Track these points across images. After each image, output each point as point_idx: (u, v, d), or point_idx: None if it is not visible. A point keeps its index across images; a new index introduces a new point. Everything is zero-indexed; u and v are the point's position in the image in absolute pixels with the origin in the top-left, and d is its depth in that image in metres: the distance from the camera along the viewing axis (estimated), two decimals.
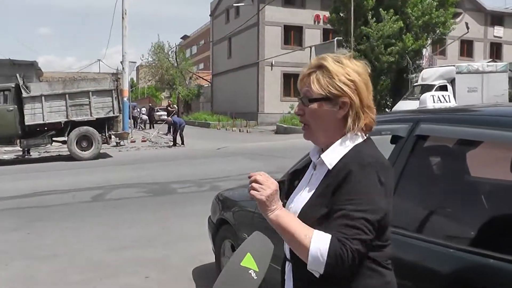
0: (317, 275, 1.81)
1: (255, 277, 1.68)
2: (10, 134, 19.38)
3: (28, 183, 13.87)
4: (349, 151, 1.98)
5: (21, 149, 21.00)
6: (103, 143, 20.85)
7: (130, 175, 15.12)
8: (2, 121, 18.91)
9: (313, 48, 36.63)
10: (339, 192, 1.88)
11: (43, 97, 19.30)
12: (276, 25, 45.07)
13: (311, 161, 2.17)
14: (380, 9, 32.52)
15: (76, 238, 8.14)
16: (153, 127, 45.51)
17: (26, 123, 19.32)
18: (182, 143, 25.55)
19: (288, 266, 2.10)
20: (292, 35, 46.08)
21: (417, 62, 34.10)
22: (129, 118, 33.26)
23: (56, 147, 22.98)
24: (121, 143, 26.08)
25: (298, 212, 1.99)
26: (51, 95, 19.52)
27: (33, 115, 19.30)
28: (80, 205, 10.91)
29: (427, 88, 24.26)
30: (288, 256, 2.08)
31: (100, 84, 20.49)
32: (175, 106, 43.82)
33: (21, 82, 19.28)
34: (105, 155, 21.31)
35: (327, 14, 38.93)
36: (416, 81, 29.04)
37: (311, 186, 2.05)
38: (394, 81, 34.40)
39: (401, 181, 3.01)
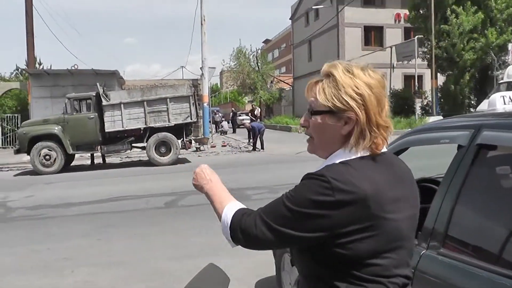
0: (232, 246, 1.87)
1: None
2: (91, 140, 19.93)
3: (105, 189, 14.14)
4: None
5: (101, 154, 21.56)
6: (181, 149, 21.03)
7: None
8: (83, 129, 19.55)
9: (393, 48, 35.83)
10: None
11: (122, 105, 19.73)
12: (356, 26, 44.46)
13: None
14: (454, 6, 31.22)
15: (144, 245, 8.11)
16: (235, 131, 45.83)
17: (106, 130, 19.82)
18: (262, 147, 25.42)
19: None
20: (373, 36, 45.33)
21: (502, 58, 32.52)
22: (211, 123, 33.58)
23: (137, 153, 23.46)
24: (201, 148, 26.33)
25: None
26: (130, 103, 19.92)
27: (113, 122, 19.77)
28: (153, 211, 10.94)
29: None
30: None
31: (178, 90, 20.69)
32: (258, 108, 43.69)
33: (101, 91, 19.79)
34: (184, 161, 21.49)
35: (407, 12, 37.89)
36: (502, 79, 27.60)
37: None
38: (478, 79, 32.99)
39: (461, 198, 2.61)
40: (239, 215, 1.82)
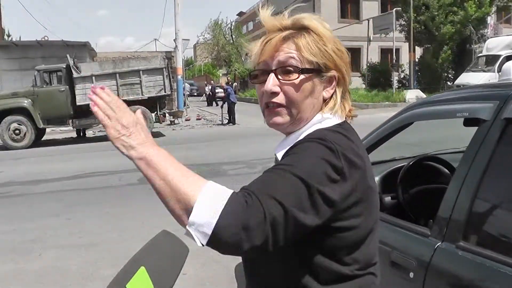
0: (199, 244, 1.19)
1: None
2: (62, 114, 19.45)
3: (77, 164, 13.69)
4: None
5: (74, 129, 21.04)
6: (155, 122, 20.59)
7: (180, 155, 14.63)
8: (54, 102, 19.04)
9: (371, 21, 35.45)
10: None
11: (93, 77, 19.17)
12: None
13: None
14: None
15: (116, 225, 7.68)
16: (211, 104, 45.43)
17: (78, 103, 19.28)
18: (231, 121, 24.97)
19: None
20: (349, 8, 44.96)
21: (481, 31, 32.45)
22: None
23: None
24: (176, 121, 25.85)
25: None
26: (101, 75, 19.41)
27: (84, 95, 19.14)
28: (126, 188, 10.51)
29: (492, 58, 22.99)
30: None
31: (151, 62, 20.19)
32: (235, 84, 43.12)
33: (71, 63, 19.19)
34: (158, 134, 21.01)
35: None
36: (480, 52, 27.51)
37: None
38: (456, 52, 32.81)
39: (485, 182, 2.18)
40: (239, 195, 1.22)
